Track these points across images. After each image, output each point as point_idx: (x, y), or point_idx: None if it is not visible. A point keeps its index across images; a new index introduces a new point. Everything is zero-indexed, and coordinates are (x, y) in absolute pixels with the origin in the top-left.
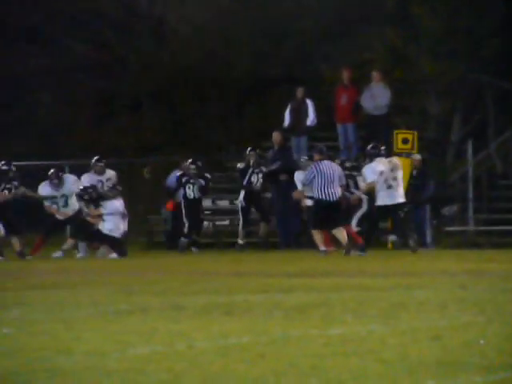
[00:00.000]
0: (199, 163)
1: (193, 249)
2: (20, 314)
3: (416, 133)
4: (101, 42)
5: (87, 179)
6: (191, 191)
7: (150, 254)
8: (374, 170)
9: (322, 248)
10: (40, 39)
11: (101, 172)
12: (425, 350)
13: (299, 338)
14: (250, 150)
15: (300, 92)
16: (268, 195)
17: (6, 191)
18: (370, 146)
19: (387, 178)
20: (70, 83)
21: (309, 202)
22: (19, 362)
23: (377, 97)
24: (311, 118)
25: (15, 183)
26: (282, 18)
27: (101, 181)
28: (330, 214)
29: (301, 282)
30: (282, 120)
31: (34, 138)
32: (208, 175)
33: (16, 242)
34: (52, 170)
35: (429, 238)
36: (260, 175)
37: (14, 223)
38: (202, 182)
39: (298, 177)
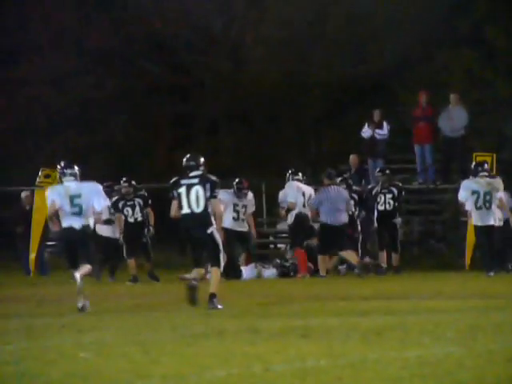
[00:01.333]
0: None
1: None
2: (97, 337)
3: (495, 155)
4: (177, 64)
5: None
6: None
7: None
8: (467, 188)
9: (322, 274)
10: (117, 62)
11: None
12: (501, 372)
13: (376, 360)
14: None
15: (377, 115)
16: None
17: (129, 209)
18: (474, 164)
19: (479, 198)
20: (147, 106)
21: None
22: None
23: (454, 119)
24: (385, 132)
25: (139, 201)
26: (359, 41)
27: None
28: (336, 238)
29: (377, 304)
30: (359, 142)
31: (111, 162)
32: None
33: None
34: (238, 180)
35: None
36: None
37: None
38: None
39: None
